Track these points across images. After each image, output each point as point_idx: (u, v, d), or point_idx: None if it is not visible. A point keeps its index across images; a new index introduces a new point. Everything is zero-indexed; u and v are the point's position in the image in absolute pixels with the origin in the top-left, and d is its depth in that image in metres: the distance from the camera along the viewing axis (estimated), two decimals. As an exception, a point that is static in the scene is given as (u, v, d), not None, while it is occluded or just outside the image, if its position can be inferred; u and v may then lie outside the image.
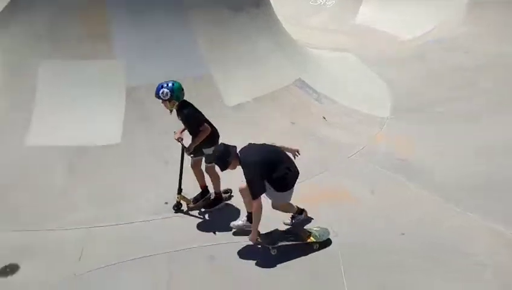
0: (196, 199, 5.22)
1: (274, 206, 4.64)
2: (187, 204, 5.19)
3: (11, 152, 5.68)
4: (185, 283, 4.12)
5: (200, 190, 5.23)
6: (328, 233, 4.64)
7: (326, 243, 4.56)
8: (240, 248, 4.51)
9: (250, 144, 4.59)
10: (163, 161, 5.78)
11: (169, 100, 4.69)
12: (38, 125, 5.92)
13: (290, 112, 7.21)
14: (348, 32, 13.24)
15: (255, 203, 4.20)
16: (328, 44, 11.69)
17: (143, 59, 6.54)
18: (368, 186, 5.63)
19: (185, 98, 4.86)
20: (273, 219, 4.67)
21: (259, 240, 4.42)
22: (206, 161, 5.01)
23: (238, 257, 4.41)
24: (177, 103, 4.75)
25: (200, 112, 4.92)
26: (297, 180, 4.55)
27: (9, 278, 4.13)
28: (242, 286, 4.09)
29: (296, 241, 4.48)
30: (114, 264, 4.25)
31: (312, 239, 4.52)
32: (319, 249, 4.50)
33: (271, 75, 7.63)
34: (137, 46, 6.63)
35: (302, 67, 8.51)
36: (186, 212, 5.13)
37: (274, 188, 4.40)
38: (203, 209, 5.19)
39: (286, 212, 4.82)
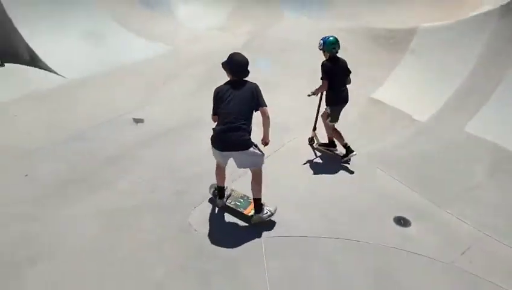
0: (322, 144, 5.87)
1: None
2: (316, 142, 5.95)
3: (451, 133, 6.39)
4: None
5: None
6: (270, 215, 4.37)
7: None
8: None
9: (244, 81, 4.05)
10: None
11: (322, 50, 5.26)
12: (478, 119, 6.43)
13: None
14: None
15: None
16: None
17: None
18: None
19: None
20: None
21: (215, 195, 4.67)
22: (327, 118, 5.53)
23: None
24: (328, 55, 5.22)
25: (333, 70, 5.16)
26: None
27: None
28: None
29: (236, 208, 4.58)
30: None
31: (251, 214, 4.44)
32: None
33: None
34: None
35: None
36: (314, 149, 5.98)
37: None
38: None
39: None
